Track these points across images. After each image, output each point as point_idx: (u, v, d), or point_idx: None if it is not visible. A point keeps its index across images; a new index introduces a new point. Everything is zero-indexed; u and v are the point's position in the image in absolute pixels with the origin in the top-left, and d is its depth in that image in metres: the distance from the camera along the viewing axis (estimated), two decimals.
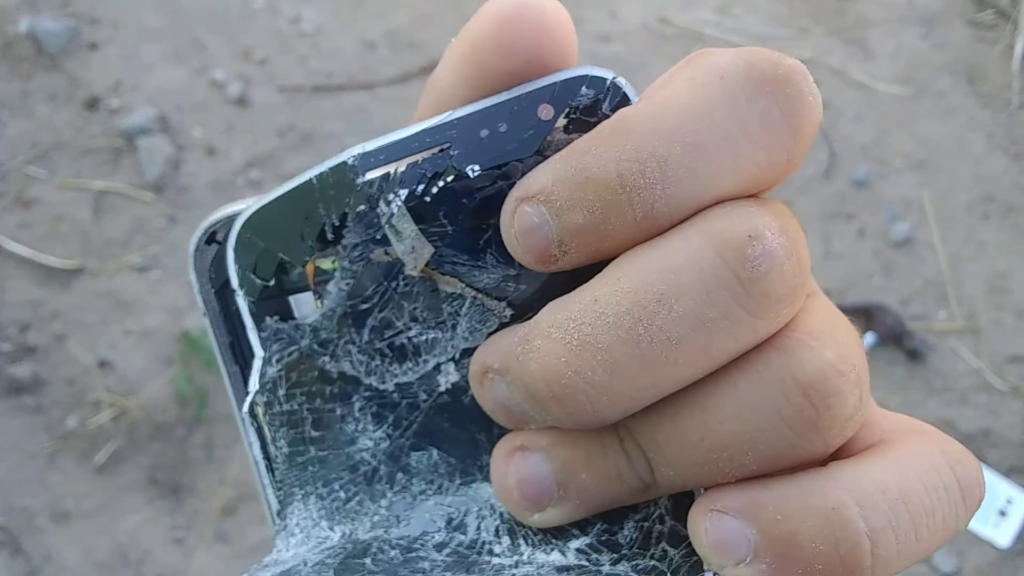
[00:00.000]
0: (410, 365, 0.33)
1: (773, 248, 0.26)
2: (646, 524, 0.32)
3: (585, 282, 0.28)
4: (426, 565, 0.32)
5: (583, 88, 0.29)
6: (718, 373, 0.27)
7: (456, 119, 0.30)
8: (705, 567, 0.29)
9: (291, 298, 0.33)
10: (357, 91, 2.13)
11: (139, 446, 1.82)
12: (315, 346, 0.33)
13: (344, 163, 0.31)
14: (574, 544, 0.32)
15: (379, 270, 0.32)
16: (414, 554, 0.32)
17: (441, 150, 0.30)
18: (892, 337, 1.91)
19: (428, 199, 0.31)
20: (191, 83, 2.11)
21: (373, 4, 2.23)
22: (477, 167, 0.30)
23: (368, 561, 0.32)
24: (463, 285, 0.32)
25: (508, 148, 0.30)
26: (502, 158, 0.30)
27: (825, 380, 0.26)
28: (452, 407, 0.34)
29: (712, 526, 0.28)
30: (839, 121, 2.14)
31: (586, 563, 0.32)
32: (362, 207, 0.31)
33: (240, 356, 0.35)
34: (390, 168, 0.31)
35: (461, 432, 0.34)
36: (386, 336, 0.33)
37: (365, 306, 0.33)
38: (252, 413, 0.34)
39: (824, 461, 0.28)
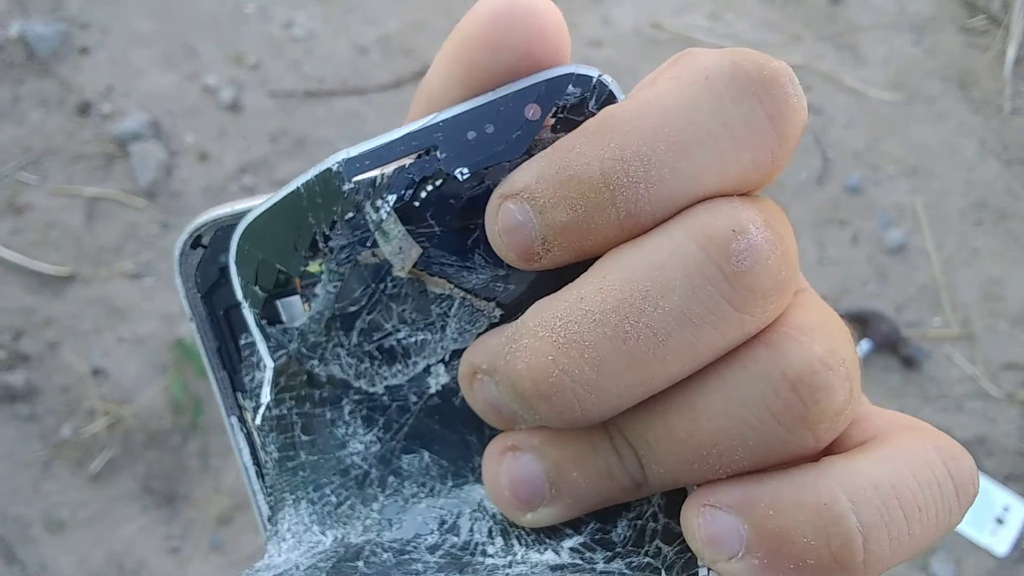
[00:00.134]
0: (400, 367, 0.33)
1: (757, 242, 0.26)
2: (640, 522, 0.31)
3: (573, 282, 0.28)
4: (419, 567, 0.31)
5: (569, 87, 0.29)
6: (706, 369, 0.27)
7: (442, 121, 0.30)
8: (699, 563, 0.29)
9: (279, 302, 0.33)
10: (350, 96, 2.13)
11: (134, 455, 1.81)
12: (303, 350, 0.33)
13: (329, 170, 0.31)
14: (568, 543, 0.32)
15: (367, 272, 0.32)
16: (407, 556, 0.32)
17: (428, 153, 0.30)
18: (887, 344, 1.92)
19: (417, 204, 0.30)
20: (183, 88, 2.10)
21: (365, 9, 2.23)
22: (466, 170, 0.30)
23: (360, 564, 0.32)
24: (452, 286, 0.32)
25: (496, 150, 0.30)
26: (491, 160, 0.30)
27: (813, 374, 0.26)
28: (442, 409, 0.34)
29: (705, 521, 0.28)
30: (831, 127, 2.14)
31: (580, 561, 0.31)
32: (351, 214, 0.31)
33: (228, 361, 0.34)
34: (377, 173, 0.30)
35: (452, 434, 0.34)
36: (375, 338, 0.33)
37: (353, 308, 0.32)
38: (241, 418, 0.34)
39: (817, 457, 0.28)
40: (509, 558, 0.32)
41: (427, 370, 0.33)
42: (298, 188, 0.31)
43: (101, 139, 2.02)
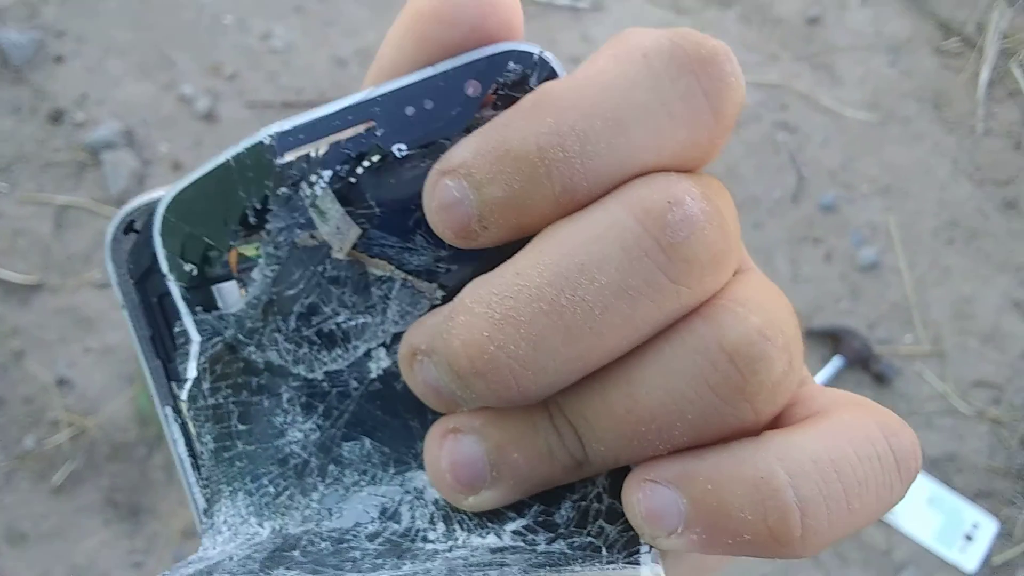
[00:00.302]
0: (339, 352, 0.32)
1: (693, 213, 0.26)
2: (583, 503, 0.31)
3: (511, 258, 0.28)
4: (357, 554, 0.31)
5: (510, 64, 0.29)
6: (644, 345, 0.27)
7: (380, 96, 0.29)
8: (640, 540, 0.28)
9: (215, 287, 0.32)
10: None
11: (98, 467, 1.79)
12: (240, 336, 0.32)
13: (260, 143, 0.30)
14: (510, 527, 0.31)
15: (305, 255, 0.31)
16: (345, 545, 0.31)
17: (366, 129, 0.29)
18: (859, 361, 1.92)
19: (353, 180, 0.30)
20: (158, 98, 2.09)
21: (344, 22, 2.23)
22: (404, 146, 0.29)
23: (296, 553, 0.31)
24: (392, 268, 0.31)
25: (435, 126, 0.29)
26: (430, 136, 0.29)
27: (750, 345, 0.26)
28: (384, 394, 0.33)
29: (644, 496, 0.27)
30: (807, 146, 2.15)
31: (522, 544, 0.31)
32: (284, 190, 0.30)
33: (161, 350, 0.33)
34: (311, 148, 0.30)
35: (394, 420, 0.33)
36: (314, 323, 0.32)
37: (291, 292, 0.32)
38: (176, 409, 0.33)
39: (759, 433, 0.27)
40: (450, 543, 0.32)
41: (368, 355, 0.32)
42: (228, 160, 0.30)
43: (73, 147, 2.01)
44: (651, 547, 0.28)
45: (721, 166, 2.11)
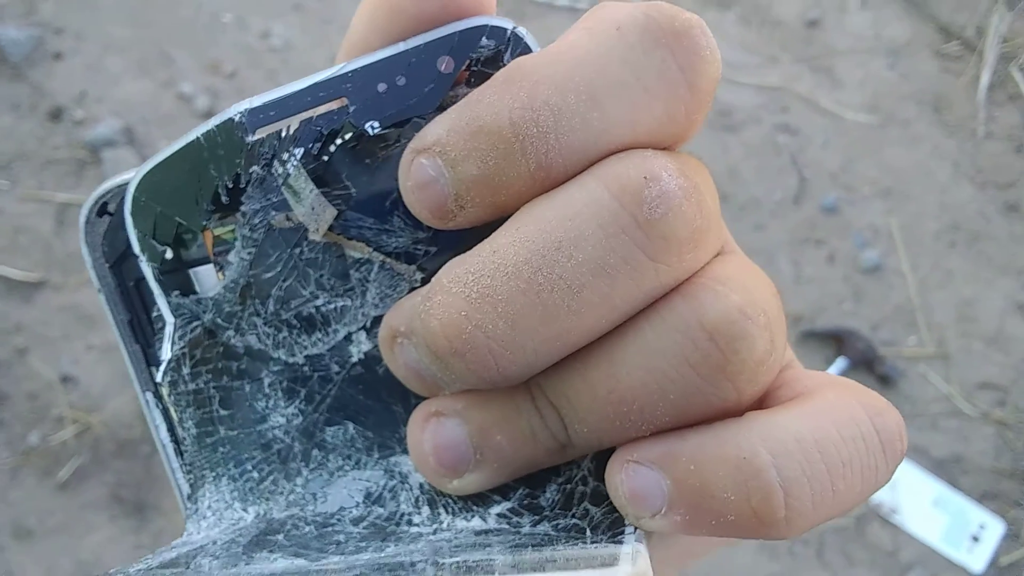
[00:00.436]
0: (319, 336, 0.32)
1: (670, 189, 0.25)
2: (569, 486, 0.31)
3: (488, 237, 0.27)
4: (341, 538, 0.30)
5: (483, 39, 0.28)
6: (625, 324, 0.27)
7: (351, 72, 0.29)
8: (625, 521, 0.28)
9: (192, 271, 0.32)
10: None
11: (103, 463, 1.78)
12: (219, 320, 0.32)
13: (231, 120, 0.29)
14: (495, 510, 0.31)
15: (282, 237, 0.31)
16: (329, 528, 0.31)
17: (338, 106, 0.29)
18: (863, 362, 1.93)
19: (327, 158, 0.30)
20: (158, 95, 2.08)
21: (343, 20, 2.22)
22: (376, 124, 0.29)
23: (280, 537, 0.30)
24: (371, 250, 0.31)
25: (408, 103, 0.29)
26: (402, 114, 0.29)
27: (731, 323, 0.26)
28: (366, 378, 0.32)
29: (627, 476, 0.27)
30: (808, 148, 2.16)
31: (506, 526, 0.31)
32: (256, 168, 0.30)
33: (140, 334, 0.33)
34: (282, 125, 0.29)
35: (376, 404, 0.32)
36: (292, 306, 0.32)
37: (269, 275, 0.31)
38: (157, 394, 0.33)
39: (742, 413, 0.27)
40: (435, 526, 0.31)
41: (348, 338, 0.32)
42: (198, 138, 0.30)
43: (73, 145, 1.99)
44: (635, 528, 0.28)
45: (722, 168, 2.11)
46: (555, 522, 0.30)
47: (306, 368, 0.32)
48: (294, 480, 0.33)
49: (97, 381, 1.83)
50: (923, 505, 1.83)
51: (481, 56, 0.29)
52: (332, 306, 0.32)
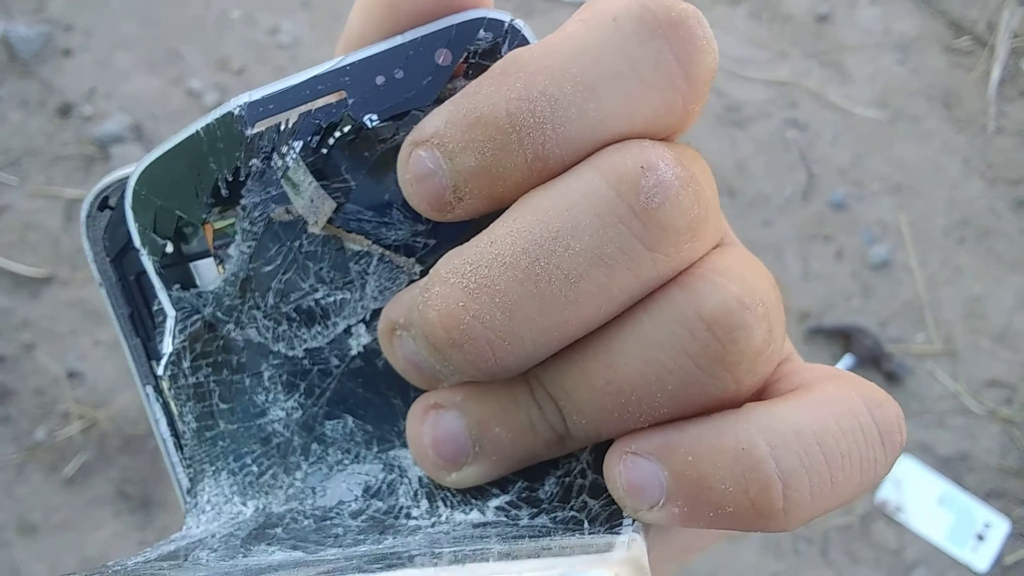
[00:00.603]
0: (319, 329, 0.32)
1: (667, 178, 0.25)
2: (567, 479, 0.31)
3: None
4: (339, 531, 0.30)
5: (481, 31, 0.29)
6: (623, 315, 0.27)
7: (349, 65, 0.29)
8: (623, 513, 0.28)
9: (192, 265, 0.32)
10: None
11: (108, 459, 1.78)
12: (219, 314, 0.32)
13: (230, 113, 0.30)
14: (494, 503, 0.31)
15: (281, 230, 0.31)
16: (328, 522, 0.31)
17: (337, 99, 0.29)
18: (870, 359, 1.92)
19: (326, 151, 0.30)
20: (166, 92, 2.08)
21: None
22: (375, 116, 0.29)
23: (279, 531, 0.31)
24: (370, 242, 0.31)
25: (406, 96, 0.29)
26: (401, 107, 0.29)
27: (729, 313, 0.25)
28: (365, 372, 0.32)
29: (625, 468, 0.27)
30: (817, 143, 2.15)
31: (504, 519, 0.31)
32: (255, 161, 0.30)
33: (141, 328, 0.33)
34: (281, 119, 0.29)
35: (376, 397, 0.33)
36: (292, 299, 0.32)
37: (268, 268, 0.31)
38: (157, 388, 0.33)
39: (740, 405, 0.27)
40: (433, 519, 0.31)
41: (348, 331, 0.32)
42: (197, 132, 0.30)
43: (82, 141, 2.00)
44: (633, 520, 0.28)
45: (731, 163, 2.10)
46: (553, 515, 0.30)
47: (306, 361, 0.32)
48: (293, 474, 0.33)
49: (104, 377, 1.84)
50: (928, 503, 1.83)
51: (479, 48, 0.29)
52: (331, 299, 0.32)
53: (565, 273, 0.25)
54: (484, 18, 0.29)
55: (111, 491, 1.77)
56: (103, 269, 0.33)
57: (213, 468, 0.33)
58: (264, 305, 0.32)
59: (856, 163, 2.13)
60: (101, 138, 1.99)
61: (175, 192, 0.31)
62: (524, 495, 0.31)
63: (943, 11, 2.29)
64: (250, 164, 0.30)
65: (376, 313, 0.32)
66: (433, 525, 0.31)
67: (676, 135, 0.28)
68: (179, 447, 0.33)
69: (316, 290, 0.32)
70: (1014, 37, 2.24)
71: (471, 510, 0.31)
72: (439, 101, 0.28)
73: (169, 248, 0.32)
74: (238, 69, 2.12)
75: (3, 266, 1.88)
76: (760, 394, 0.28)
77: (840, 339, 1.95)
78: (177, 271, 0.32)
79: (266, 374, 0.33)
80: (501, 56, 0.28)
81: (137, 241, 0.32)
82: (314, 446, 0.33)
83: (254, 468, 0.33)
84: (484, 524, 0.31)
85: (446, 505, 0.32)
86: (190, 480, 0.33)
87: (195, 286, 0.32)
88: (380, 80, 0.29)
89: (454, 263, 0.27)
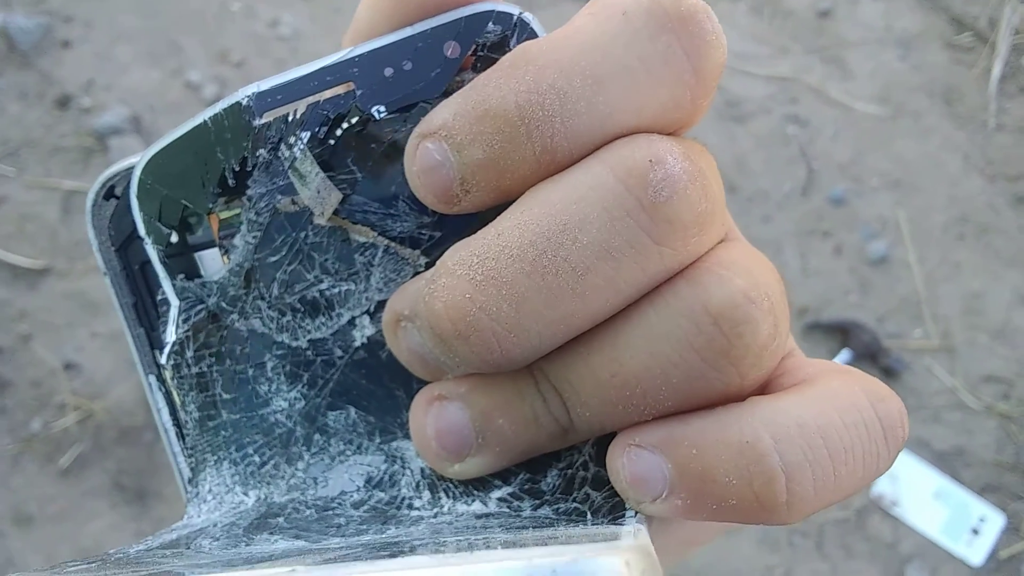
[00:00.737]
0: (323, 320, 0.32)
1: (675, 172, 0.25)
2: (569, 471, 0.31)
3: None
4: (342, 521, 0.30)
5: (490, 24, 0.29)
6: (628, 308, 0.27)
7: (357, 56, 0.29)
8: (626, 505, 0.28)
9: (196, 255, 0.32)
10: None
11: (105, 450, 1.78)
12: (223, 304, 0.32)
13: (238, 103, 0.30)
14: (496, 494, 0.31)
15: (287, 221, 0.31)
16: (330, 512, 0.31)
17: (345, 91, 0.29)
18: (868, 354, 1.92)
19: (334, 142, 0.30)
20: (165, 84, 2.08)
21: (352, 9, 2.21)
22: (383, 108, 0.29)
23: (281, 520, 0.31)
24: (375, 234, 0.31)
25: (415, 88, 0.29)
26: (409, 98, 0.29)
27: (735, 307, 0.26)
28: (369, 363, 0.32)
29: (629, 460, 0.27)
30: (817, 138, 2.14)
31: (507, 510, 0.31)
32: (262, 151, 0.30)
33: (144, 318, 0.33)
34: (289, 109, 0.30)
35: (379, 389, 0.33)
36: (297, 290, 0.32)
37: (273, 259, 0.31)
38: (160, 377, 0.33)
39: (744, 399, 0.27)
40: (435, 510, 0.31)
41: (352, 322, 0.32)
42: (205, 121, 0.30)
43: (80, 133, 2.00)
44: (636, 512, 0.28)
45: (731, 159, 2.10)
46: (556, 506, 0.30)
47: (309, 352, 0.32)
48: (295, 464, 0.33)
49: (100, 368, 1.84)
50: (924, 497, 1.83)
51: (487, 41, 0.29)
52: (336, 290, 0.32)
53: (572, 266, 0.25)
54: (493, 11, 0.29)
55: (107, 482, 1.77)
56: (108, 258, 0.33)
57: (215, 458, 0.33)
58: (269, 295, 0.32)
59: (856, 159, 2.13)
60: (100, 130, 1.99)
61: (181, 182, 0.31)
62: (526, 487, 0.31)
63: (944, 7, 2.28)
64: (257, 154, 0.30)
65: (381, 305, 0.32)
66: (435, 516, 0.31)
67: (683, 130, 0.28)
68: (181, 437, 0.33)
69: (321, 281, 0.32)
70: (1015, 34, 2.24)
71: (473, 501, 0.31)
72: (447, 94, 0.29)
73: (174, 238, 0.32)
74: (238, 61, 2.12)
75: (0, 257, 1.88)
76: (763, 389, 0.28)
77: (838, 334, 1.95)
78: (182, 261, 0.32)
79: (269, 364, 0.33)
80: (510, 49, 0.29)
81: (142, 230, 0.32)
82: (316, 437, 0.33)
83: (256, 458, 0.33)
84: (487, 515, 0.31)
85: (448, 496, 0.32)
86: (191, 470, 0.33)
87: (199, 276, 0.32)
88: (388, 72, 0.29)
89: (461, 255, 0.27)
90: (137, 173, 0.31)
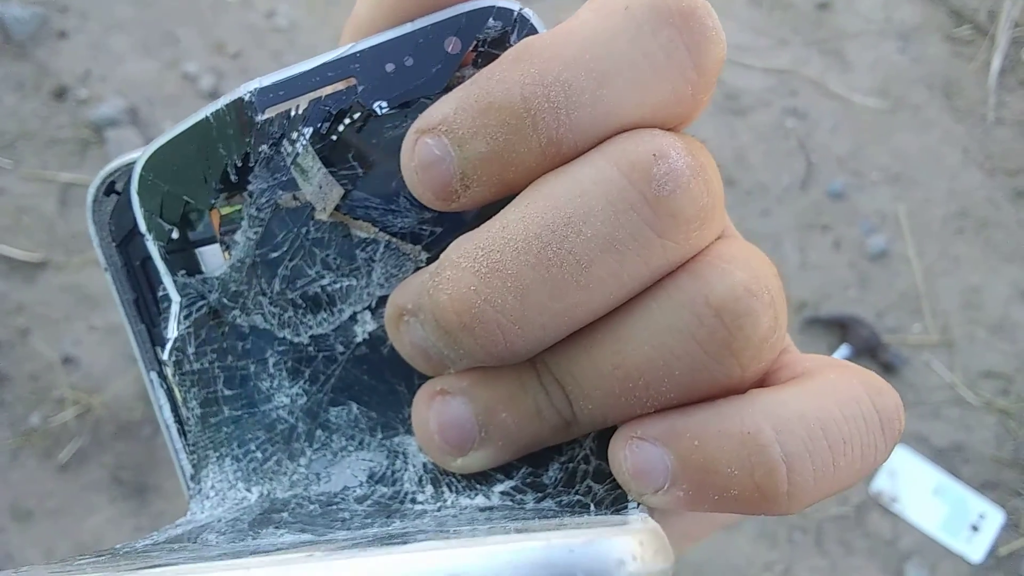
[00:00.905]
0: (325, 315, 0.32)
1: (678, 167, 0.26)
2: (571, 465, 0.31)
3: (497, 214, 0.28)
4: (346, 515, 0.31)
5: (490, 20, 0.29)
6: (631, 301, 0.27)
7: (359, 52, 0.29)
8: (628, 497, 0.28)
9: (198, 251, 0.32)
10: None
11: (103, 445, 1.78)
12: (225, 300, 0.32)
13: (241, 99, 0.30)
14: (498, 488, 0.31)
15: (288, 216, 0.31)
16: (334, 507, 0.31)
17: (347, 86, 0.29)
18: (867, 349, 1.92)
19: (335, 138, 0.30)
20: (162, 75, 2.07)
21: (349, 1, 2.21)
22: (384, 104, 0.29)
23: (286, 515, 0.31)
24: (376, 229, 0.31)
25: (416, 84, 0.29)
26: (410, 94, 0.29)
27: (736, 300, 0.26)
28: (371, 359, 0.33)
29: (631, 452, 0.28)
30: (816, 132, 2.14)
31: (510, 503, 0.31)
32: (264, 147, 0.30)
33: (145, 314, 0.33)
34: (291, 105, 0.30)
35: (381, 384, 0.33)
36: (298, 286, 0.32)
37: (275, 255, 0.32)
38: (162, 374, 0.33)
39: (745, 391, 0.27)
40: (439, 504, 0.32)
41: (353, 318, 0.32)
42: (207, 117, 0.30)
43: (77, 124, 1.99)
44: (638, 504, 0.28)
45: (730, 152, 2.10)
46: (559, 499, 0.31)
47: (311, 348, 0.33)
48: (297, 460, 0.33)
49: (98, 362, 1.83)
50: (923, 494, 1.83)
51: (488, 37, 0.29)
52: (338, 286, 0.32)
53: (577, 258, 0.26)
54: (493, 7, 0.29)
55: (106, 477, 1.77)
56: (109, 254, 0.33)
57: (217, 454, 0.33)
58: (270, 291, 0.32)
59: (855, 152, 2.13)
60: (96, 121, 1.98)
61: (183, 177, 0.31)
62: (528, 480, 0.31)
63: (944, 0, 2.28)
64: (260, 150, 0.30)
65: (382, 300, 0.32)
66: (439, 510, 0.31)
67: (683, 125, 0.28)
68: (183, 433, 0.33)
69: (322, 276, 0.32)
70: (1015, 26, 2.24)
71: (476, 495, 0.31)
72: (447, 89, 0.29)
73: (175, 234, 0.32)
74: (234, 53, 2.11)
75: None
76: (761, 383, 0.29)
77: (837, 329, 1.95)
78: (182, 257, 0.32)
79: (271, 360, 0.33)
80: (510, 45, 0.29)
81: (143, 226, 0.32)
82: (318, 432, 0.33)
83: (258, 454, 0.33)
84: (490, 508, 0.31)
85: (451, 490, 0.32)
86: (193, 466, 0.33)
87: (200, 272, 0.32)
88: (390, 67, 0.29)
89: (465, 248, 0.27)
90: (138, 169, 0.31)
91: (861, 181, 2.10)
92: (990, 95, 2.19)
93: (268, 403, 0.33)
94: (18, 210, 1.92)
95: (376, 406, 0.33)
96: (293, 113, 0.30)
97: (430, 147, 0.27)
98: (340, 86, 0.30)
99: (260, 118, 0.30)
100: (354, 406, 0.33)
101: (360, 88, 0.29)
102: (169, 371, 0.33)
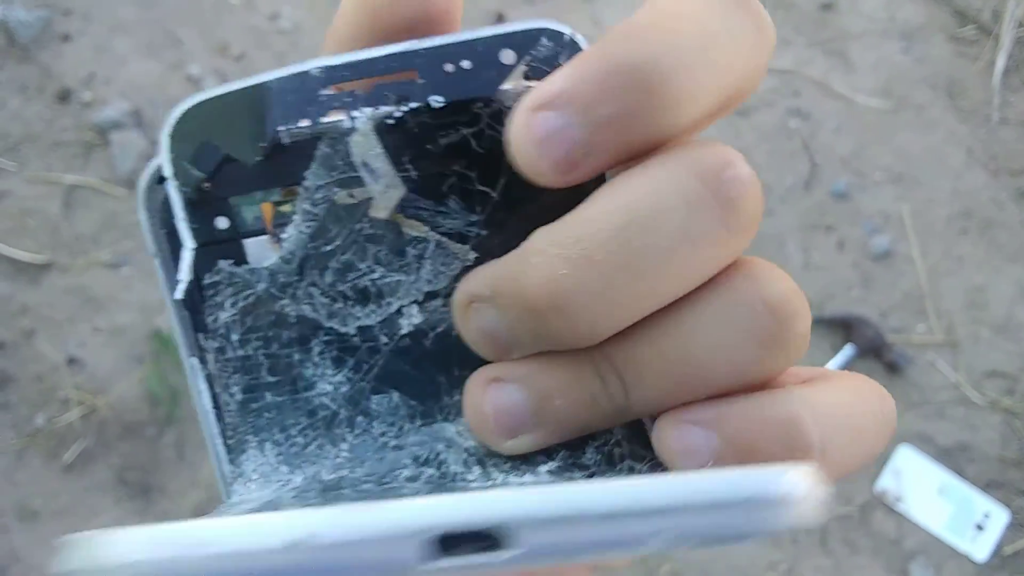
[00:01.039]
0: (373, 308, 0.34)
1: (744, 174, 0.28)
2: (606, 448, 0.33)
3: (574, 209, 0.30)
4: (407, 492, 0.31)
5: (543, 39, 0.30)
6: (692, 295, 0.29)
7: (423, 48, 0.31)
8: None
9: (245, 242, 0.33)
10: None
11: (108, 445, 1.79)
12: (273, 290, 0.33)
13: (307, 72, 0.31)
14: (544, 468, 0.32)
15: (344, 212, 0.32)
16: (384, 487, 0.32)
17: (407, 78, 0.31)
18: (871, 350, 1.92)
19: (391, 121, 0.31)
20: (166, 77, 2.08)
21: None
22: (440, 99, 0.31)
23: (347, 491, 0.32)
24: (427, 229, 0.33)
25: (470, 86, 0.31)
26: (463, 94, 0.31)
27: (787, 301, 0.29)
28: (413, 350, 0.34)
29: (680, 434, 0.30)
30: (819, 132, 2.14)
31: (565, 479, 0.32)
32: (326, 149, 0.31)
33: (189, 300, 0.34)
34: (355, 85, 0.31)
35: (421, 374, 0.34)
36: (349, 279, 0.33)
37: (328, 249, 0.33)
38: (202, 360, 0.34)
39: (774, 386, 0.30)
40: (490, 482, 0.32)
41: (399, 311, 0.34)
42: (267, 82, 0.31)
43: (81, 127, 2.00)
44: None
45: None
46: (604, 476, 0.32)
47: (356, 338, 0.34)
48: (339, 445, 0.34)
49: (103, 363, 1.84)
50: (928, 493, 1.83)
51: (539, 55, 0.31)
52: (387, 280, 0.33)
53: (660, 247, 0.28)
54: (547, 28, 0.30)
55: (111, 477, 1.77)
56: (158, 240, 0.34)
57: (257, 439, 0.34)
58: (321, 283, 0.33)
59: (859, 152, 2.13)
60: (100, 124, 1.99)
61: (228, 132, 0.32)
62: (570, 461, 0.32)
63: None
64: (319, 122, 0.31)
65: (429, 295, 0.33)
66: (494, 486, 0.32)
67: (742, 100, 0.31)
68: (220, 419, 0.34)
69: (373, 271, 0.33)
70: (1019, 27, 2.23)
71: (524, 475, 0.32)
72: (498, 97, 0.31)
73: (224, 223, 0.33)
74: (238, 55, 2.11)
75: (2, 252, 1.88)
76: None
77: (841, 329, 1.95)
78: (229, 247, 0.33)
79: (316, 349, 0.34)
80: (559, 64, 0.30)
81: (168, 171, 0.32)
82: (359, 419, 0.34)
83: (300, 439, 0.34)
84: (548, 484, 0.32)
85: (498, 471, 0.33)
86: (230, 451, 0.34)
87: (246, 263, 0.33)
88: (449, 67, 0.31)
89: (552, 237, 0.28)
90: (176, 115, 0.32)
91: (865, 181, 2.10)
92: (994, 95, 2.18)
93: (311, 390, 0.34)
94: (22, 212, 1.92)
95: (416, 395, 0.34)
96: (356, 92, 0.31)
97: (551, 119, 0.28)
98: (401, 77, 0.31)
99: (324, 92, 0.31)
100: (395, 394, 0.34)
101: (420, 81, 0.31)
102: (210, 358, 0.34)
